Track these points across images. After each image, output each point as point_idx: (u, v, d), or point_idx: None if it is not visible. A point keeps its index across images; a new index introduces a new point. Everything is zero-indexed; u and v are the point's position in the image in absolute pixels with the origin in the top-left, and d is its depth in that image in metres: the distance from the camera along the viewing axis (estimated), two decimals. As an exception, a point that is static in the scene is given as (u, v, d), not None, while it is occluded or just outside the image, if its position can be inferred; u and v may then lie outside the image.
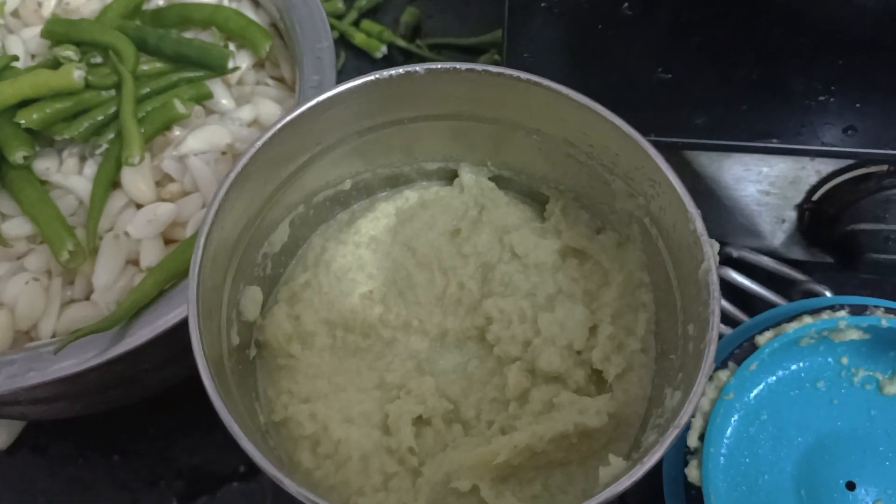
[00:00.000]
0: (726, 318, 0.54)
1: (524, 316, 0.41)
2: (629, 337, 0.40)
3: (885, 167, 0.50)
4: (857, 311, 0.45)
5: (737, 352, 0.46)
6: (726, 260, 0.57)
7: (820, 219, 0.54)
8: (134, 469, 0.58)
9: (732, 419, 0.45)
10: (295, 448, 0.39)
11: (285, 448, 0.39)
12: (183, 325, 0.44)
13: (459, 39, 0.73)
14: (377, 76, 0.37)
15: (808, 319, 0.46)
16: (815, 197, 0.53)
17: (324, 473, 0.38)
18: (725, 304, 0.54)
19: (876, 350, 0.46)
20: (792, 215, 0.55)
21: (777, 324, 0.47)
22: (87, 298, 0.50)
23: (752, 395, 0.46)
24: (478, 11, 0.76)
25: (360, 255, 0.43)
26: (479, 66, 0.38)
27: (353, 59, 0.74)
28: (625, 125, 0.36)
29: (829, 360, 0.47)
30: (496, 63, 0.70)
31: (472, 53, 0.73)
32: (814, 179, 0.52)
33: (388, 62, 0.73)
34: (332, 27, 0.60)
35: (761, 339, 0.46)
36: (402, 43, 0.72)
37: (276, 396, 0.40)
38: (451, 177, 0.45)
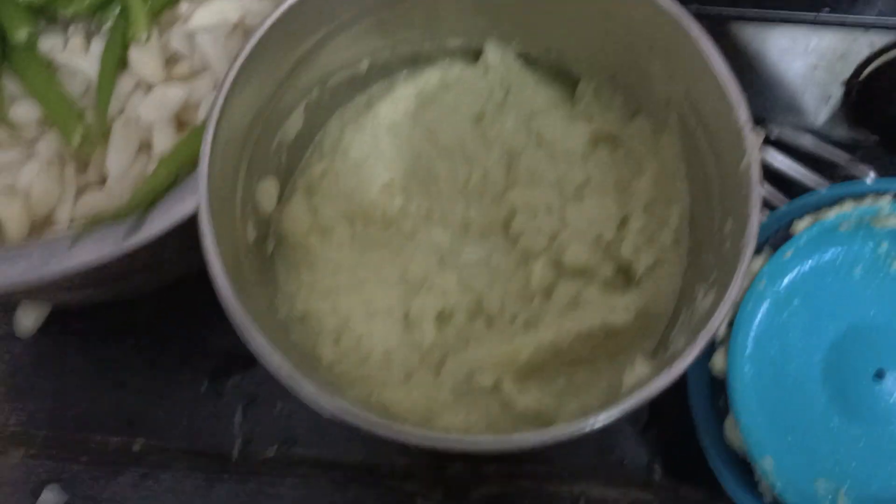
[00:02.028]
0: (764, 202, 0.52)
1: (551, 207, 0.39)
2: (661, 229, 0.38)
3: (947, 40, 0.46)
4: None
5: (772, 238, 0.44)
6: (765, 139, 0.54)
7: (869, 96, 0.51)
8: (164, 350, 0.58)
9: (763, 306, 0.44)
10: (316, 342, 0.39)
11: (307, 342, 0.39)
12: (194, 217, 0.43)
13: None
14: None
15: (849, 205, 0.44)
16: (866, 73, 0.50)
17: (345, 367, 0.38)
18: (764, 186, 0.52)
19: None
20: (839, 92, 0.52)
21: (816, 209, 0.45)
22: (102, 185, 0.49)
23: (785, 281, 0.45)
24: None
25: (379, 143, 0.41)
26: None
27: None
28: (668, 2, 0.33)
29: (868, 247, 0.45)
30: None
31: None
32: (866, 53, 0.49)
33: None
34: None
35: (799, 226, 0.44)
36: None
37: (297, 290, 0.39)
38: (475, 55, 0.42)
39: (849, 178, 0.52)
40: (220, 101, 0.32)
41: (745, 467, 0.43)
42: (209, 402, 0.57)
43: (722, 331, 0.42)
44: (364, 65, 0.41)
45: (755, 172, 0.30)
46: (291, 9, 0.33)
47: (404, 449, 0.54)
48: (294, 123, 0.39)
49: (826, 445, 0.43)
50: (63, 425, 0.57)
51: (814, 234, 0.43)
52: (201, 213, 0.31)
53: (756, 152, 0.31)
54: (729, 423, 0.43)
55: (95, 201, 0.48)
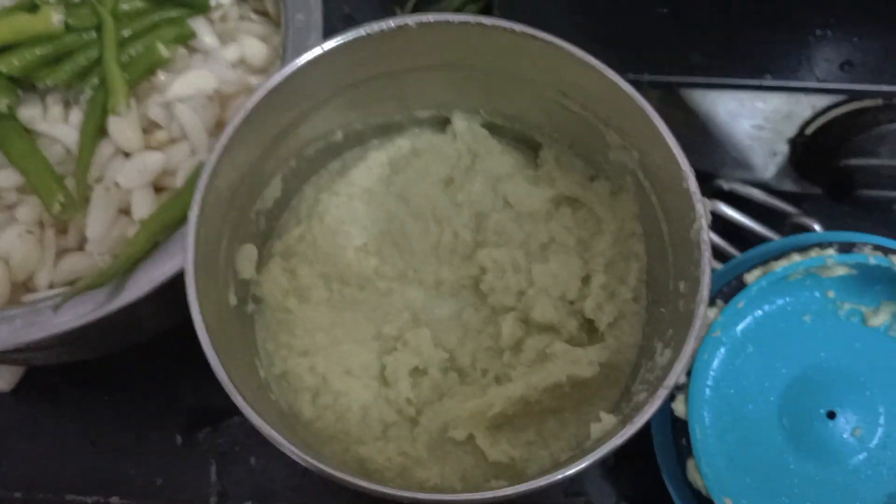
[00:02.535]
0: (717, 253, 0.55)
1: (518, 266, 0.41)
2: (621, 286, 0.41)
3: (879, 101, 0.50)
4: (845, 248, 0.46)
5: (725, 289, 0.47)
6: (717, 193, 0.57)
7: (813, 152, 0.54)
8: (137, 407, 0.59)
9: (719, 353, 0.47)
10: (295, 399, 0.40)
11: (286, 400, 0.40)
12: (179, 277, 0.44)
13: (447, -37, 0.71)
14: (368, 31, 0.36)
15: (796, 257, 0.47)
16: (809, 131, 0.53)
17: (324, 424, 0.40)
18: (716, 238, 0.55)
19: (862, 284, 0.48)
20: (785, 149, 0.55)
21: (765, 261, 0.48)
22: (81, 248, 0.50)
23: (739, 329, 0.48)
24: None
25: (354, 207, 0.43)
26: (472, 19, 0.37)
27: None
28: (620, 80, 0.36)
29: (816, 294, 0.48)
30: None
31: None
32: (808, 114, 0.52)
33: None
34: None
35: (749, 278, 0.47)
36: (387, -33, 0.70)
37: (276, 350, 0.41)
38: (443, 124, 0.45)
39: (796, 228, 0.56)
40: (207, 173, 0.34)
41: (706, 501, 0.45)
42: (184, 458, 0.58)
43: (682, 378, 0.45)
44: (339, 135, 0.43)
45: (705, 237, 0.33)
46: (275, 88, 0.36)
47: (381, 501, 0.55)
48: (272, 191, 0.41)
49: (783, 484, 0.46)
50: (39, 486, 0.57)
51: (763, 285, 0.46)
52: (188, 279, 0.33)
53: (705, 219, 0.33)
54: (691, 465, 0.45)
55: (75, 264, 0.49)
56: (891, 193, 0.51)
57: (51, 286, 0.49)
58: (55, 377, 0.60)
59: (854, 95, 0.50)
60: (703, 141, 0.55)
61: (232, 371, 0.32)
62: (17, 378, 0.59)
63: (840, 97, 0.50)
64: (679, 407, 0.45)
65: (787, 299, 0.48)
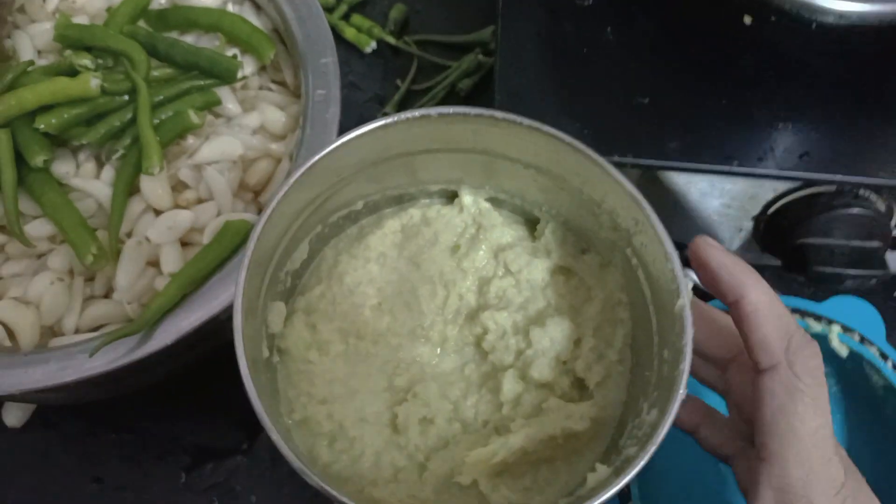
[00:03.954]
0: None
1: (517, 328, 0.46)
2: (608, 349, 0.46)
3: (833, 188, 0.56)
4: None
5: None
6: (688, 261, 0.63)
7: (774, 230, 0.60)
8: (143, 445, 0.62)
9: None
10: (314, 444, 0.44)
11: (306, 444, 0.44)
12: (201, 328, 0.49)
13: (446, 37, 0.77)
14: (396, 119, 0.41)
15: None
16: (771, 211, 0.59)
17: (341, 467, 0.44)
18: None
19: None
20: (749, 225, 0.61)
21: None
22: (107, 296, 0.54)
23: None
24: (464, 7, 0.79)
25: (370, 270, 0.47)
26: (486, 112, 0.42)
27: (343, 51, 0.77)
28: (615, 172, 0.41)
29: None
30: (480, 63, 0.74)
31: (457, 51, 0.76)
32: (770, 196, 0.58)
33: (376, 57, 0.77)
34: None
35: None
36: (390, 40, 0.76)
37: (296, 398, 0.45)
38: (451, 196, 0.50)
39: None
40: (255, 237, 0.38)
41: None
42: (187, 496, 0.61)
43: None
44: (359, 205, 0.48)
45: (688, 314, 0.38)
46: (310, 168, 0.40)
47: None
48: (300, 254, 0.46)
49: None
50: (43, 521, 0.60)
51: None
52: (236, 333, 0.37)
53: (687, 297, 0.39)
54: None
55: (100, 311, 0.53)
56: (843, 270, 0.57)
57: (77, 331, 0.53)
58: (63, 415, 0.63)
59: (811, 182, 0.56)
60: (677, 214, 0.61)
61: (270, 415, 0.37)
62: (26, 415, 0.62)
63: (798, 183, 0.56)
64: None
65: None
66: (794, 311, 0.52)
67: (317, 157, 0.40)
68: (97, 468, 0.62)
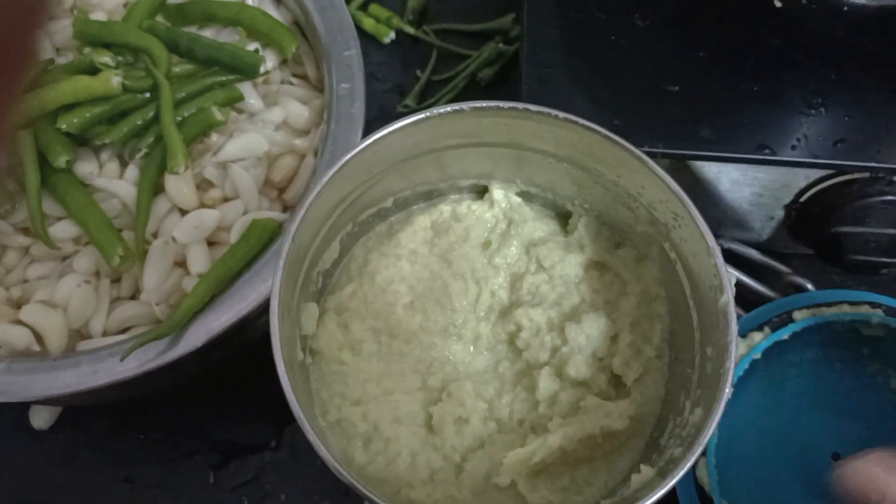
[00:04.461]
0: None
1: (552, 324, 0.46)
2: (646, 344, 0.45)
3: (867, 175, 0.55)
4: (890, 312, 0.51)
5: (775, 320, 0.51)
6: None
7: (806, 219, 0.59)
8: (172, 444, 0.62)
9: (752, 376, 0.51)
10: (349, 445, 0.44)
11: (340, 445, 0.44)
12: (230, 329, 0.48)
13: (465, 25, 0.76)
14: (429, 114, 0.41)
15: (846, 308, 0.51)
16: (803, 199, 0.58)
17: (376, 468, 0.43)
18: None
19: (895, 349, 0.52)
20: (780, 214, 0.60)
21: (816, 305, 0.52)
22: (134, 297, 0.53)
23: (776, 359, 0.52)
24: (483, -4, 0.78)
25: (401, 268, 0.47)
26: (520, 105, 0.41)
27: (361, 42, 0.75)
28: (654, 166, 0.40)
29: (852, 348, 0.53)
30: (500, 52, 0.73)
31: (477, 39, 0.75)
32: (803, 184, 0.57)
33: (395, 47, 0.76)
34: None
35: (798, 315, 0.51)
36: (409, 29, 0.75)
37: (330, 399, 0.45)
38: (481, 191, 0.49)
39: (789, 286, 0.61)
40: (289, 238, 0.38)
41: (706, 502, 0.49)
42: (216, 494, 0.61)
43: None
44: (389, 202, 0.47)
45: (731, 309, 0.38)
46: (342, 166, 0.40)
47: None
48: (332, 253, 0.45)
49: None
50: (74, 520, 0.60)
51: (810, 325, 0.51)
52: (273, 336, 0.36)
53: (731, 292, 0.38)
54: (701, 463, 0.49)
55: (127, 312, 0.52)
56: (877, 259, 0.56)
57: (104, 333, 0.52)
58: (90, 416, 0.62)
59: (844, 169, 0.55)
60: (707, 204, 0.60)
61: (307, 416, 0.36)
62: (54, 417, 0.62)
63: (832, 170, 0.55)
64: None
65: (826, 345, 0.53)
66: (832, 303, 0.51)
67: (350, 155, 0.40)
68: (126, 468, 0.61)
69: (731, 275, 0.38)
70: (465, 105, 0.41)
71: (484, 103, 0.41)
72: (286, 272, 0.38)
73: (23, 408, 0.62)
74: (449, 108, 0.41)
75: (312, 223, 0.41)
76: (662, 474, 0.36)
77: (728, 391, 0.36)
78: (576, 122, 0.41)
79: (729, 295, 0.38)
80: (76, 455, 0.62)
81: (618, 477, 0.43)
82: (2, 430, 0.61)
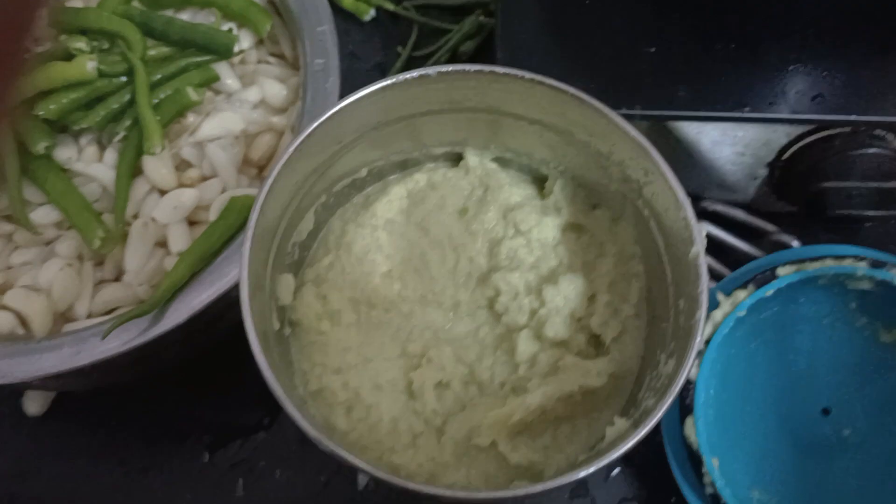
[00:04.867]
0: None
1: (530, 288, 0.46)
2: (623, 304, 0.45)
3: (848, 129, 0.55)
4: (876, 265, 0.50)
5: (759, 277, 0.51)
6: (703, 213, 0.62)
7: (789, 176, 0.59)
8: (165, 428, 0.62)
9: (738, 333, 0.51)
10: (331, 413, 0.44)
11: (322, 414, 0.44)
12: (211, 307, 0.48)
13: (445, 0, 0.75)
14: (394, 80, 0.41)
15: (830, 262, 0.51)
16: (785, 156, 0.58)
17: (358, 435, 0.43)
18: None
19: (883, 303, 0.52)
20: (763, 173, 0.60)
21: (801, 261, 0.52)
22: (117, 279, 0.53)
23: (762, 317, 0.52)
24: (462, -31, 0.77)
25: (378, 237, 0.47)
26: (486, 68, 0.41)
27: (342, 21, 0.75)
28: (622, 122, 0.40)
29: (839, 302, 0.52)
30: (481, 25, 0.73)
31: (458, 13, 0.75)
32: (784, 141, 0.57)
33: (376, 25, 0.76)
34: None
35: (782, 271, 0.51)
36: (389, 6, 0.75)
37: (311, 369, 0.45)
38: (456, 159, 0.49)
39: (776, 245, 0.60)
40: (257, 209, 0.38)
41: (696, 459, 0.49)
42: (210, 474, 0.61)
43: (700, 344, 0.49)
44: (363, 172, 0.47)
45: (702, 261, 0.37)
46: (309, 135, 0.40)
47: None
48: (306, 224, 0.45)
49: (769, 462, 0.50)
50: (71, 505, 0.60)
51: (794, 281, 0.50)
52: (243, 304, 0.37)
53: (702, 244, 0.38)
54: (689, 422, 0.49)
55: (112, 295, 0.52)
56: (861, 212, 0.56)
57: (89, 316, 0.52)
58: (83, 402, 0.63)
59: (825, 124, 0.55)
60: (689, 166, 0.59)
61: (283, 386, 0.36)
62: (47, 403, 0.62)
63: (812, 126, 0.55)
64: (691, 370, 0.49)
65: (812, 300, 0.53)
66: (816, 258, 0.51)
67: (316, 124, 0.40)
68: (121, 452, 0.62)
69: (702, 227, 0.38)
70: (431, 70, 0.41)
71: (450, 67, 0.41)
72: (255, 243, 0.38)
73: (16, 395, 0.62)
74: (416, 73, 0.41)
75: (282, 193, 0.41)
76: (636, 426, 0.36)
77: (699, 340, 0.36)
78: (542, 83, 0.41)
79: (699, 246, 0.38)
80: (70, 441, 0.62)
81: (599, 434, 0.43)
82: (-6, 418, 0.62)
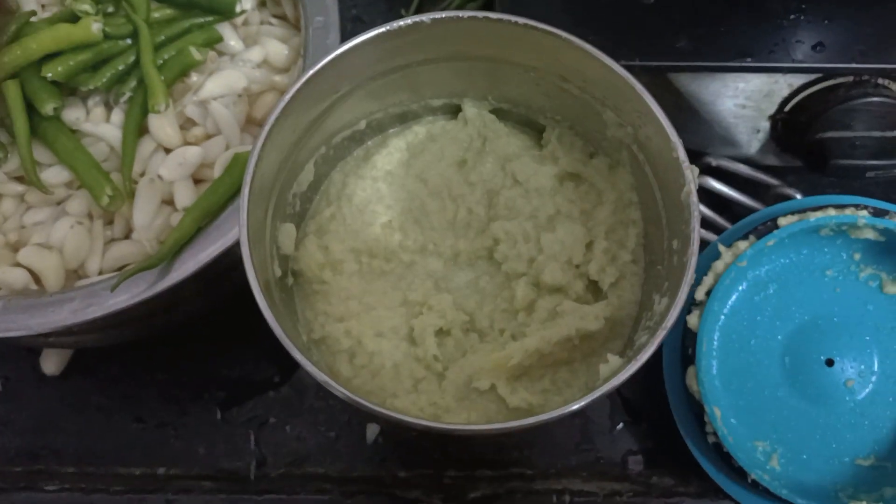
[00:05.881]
0: (708, 224, 0.59)
1: (528, 236, 0.46)
2: (621, 250, 0.46)
3: (850, 78, 0.55)
4: (878, 213, 0.50)
5: (760, 228, 0.51)
6: (706, 169, 0.62)
7: (792, 128, 0.58)
8: (179, 385, 0.64)
9: (740, 286, 0.52)
10: (334, 361, 0.45)
11: (326, 361, 0.45)
12: (218, 260, 0.49)
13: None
14: (388, 28, 0.41)
15: (832, 212, 0.51)
16: (787, 108, 0.57)
17: (361, 381, 0.44)
18: (707, 210, 0.60)
19: (887, 252, 0.52)
20: (766, 125, 0.60)
21: (802, 210, 0.52)
22: (127, 237, 0.55)
23: (765, 269, 0.52)
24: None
25: (378, 188, 0.48)
26: (479, 14, 0.41)
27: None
28: (614, 64, 0.40)
29: (843, 253, 0.53)
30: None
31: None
32: (786, 92, 0.57)
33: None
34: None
35: (783, 221, 0.51)
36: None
37: (314, 317, 0.46)
38: (455, 111, 0.50)
39: (779, 198, 0.60)
40: (254, 158, 0.39)
41: (698, 410, 0.50)
42: (223, 430, 0.63)
43: (700, 295, 0.49)
44: (362, 125, 0.48)
45: (693, 199, 0.38)
46: (303, 85, 0.40)
47: (405, 462, 0.60)
48: (306, 176, 0.46)
49: (771, 413, 0.51)
50: (89, 460, 0.62)
51: (795, 231, 0.50)
52: (243, 249, 0.37)
53: (693, 184, 0.38)
54: (690, 371, 0.50)
55: (122, 251, 0.54)
56: (864, 162, 0.56)
57: (100, 272, 0.54)
58: (99, 360, 0.64)
59: (827, 73, 0.54)
60: (691, 121, 0.59)
61: (287, 332, 0.37)
62: (64, 362, 0.64)
63: (814, 76, 0.55)
64: (692, 320, 0.49)
65: (815, 251, 0.53)
66: (818, 208, 0.51)
67: (311, 72, 0.40)
68: (137, 408, 0.63)
69: (695, 168, 0.39)
70: (425, 17, 0.42)
71: (443, 14, 0.42)
72: (254, 190, 0.39)
73: (34, 355, 0.64)
74: (409, 21, 0.42)
75: (280, 144, 0.42)
76: (629, 362, 0.37)
77: (690, 278, 0.37)
78: (535, 27, 0.41)
79: (691, 186, 0.38)
80: (87, 399, 0.64)
81: (597, 377, 0.43)
82: (15, 377, 0.64)
